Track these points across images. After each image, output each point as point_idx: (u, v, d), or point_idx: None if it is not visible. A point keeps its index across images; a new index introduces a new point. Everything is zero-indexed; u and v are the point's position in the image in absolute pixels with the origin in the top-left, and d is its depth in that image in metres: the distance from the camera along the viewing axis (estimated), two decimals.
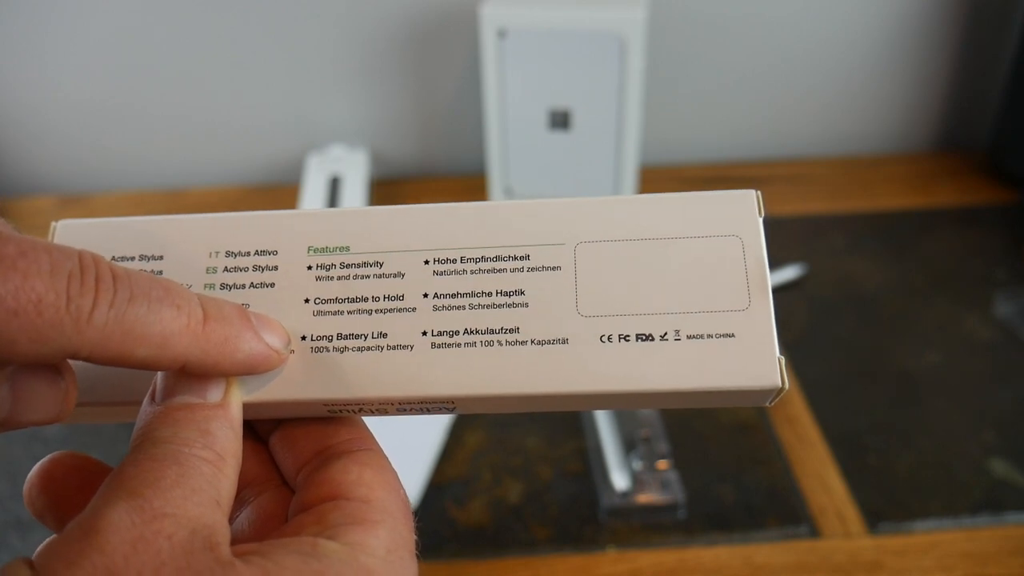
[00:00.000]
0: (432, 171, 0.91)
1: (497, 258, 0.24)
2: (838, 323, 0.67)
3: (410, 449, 0.54)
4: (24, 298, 0.17)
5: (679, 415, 0.58)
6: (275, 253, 0.25)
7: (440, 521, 0.52)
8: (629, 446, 0.54)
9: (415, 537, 0.22)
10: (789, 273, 0.71)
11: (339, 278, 0.24)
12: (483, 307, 0.24)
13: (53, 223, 0.26)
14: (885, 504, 0.52)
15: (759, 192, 0.25)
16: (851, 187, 0.84)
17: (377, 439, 0.24)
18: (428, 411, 0.24)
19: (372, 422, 0.25)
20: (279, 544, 0.19)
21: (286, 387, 0.23)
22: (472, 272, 0.24)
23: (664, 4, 0.79)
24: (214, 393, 0.21)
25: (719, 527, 0.51)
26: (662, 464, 0.53)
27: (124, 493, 0.18)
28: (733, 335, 0.23)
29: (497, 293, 0.24)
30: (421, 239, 0.25)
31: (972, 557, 0.49)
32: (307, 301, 0.24)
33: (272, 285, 0.25)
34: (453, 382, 0.23)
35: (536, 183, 0.76)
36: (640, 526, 0.51)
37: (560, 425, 0.58)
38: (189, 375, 0.21)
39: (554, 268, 0.24)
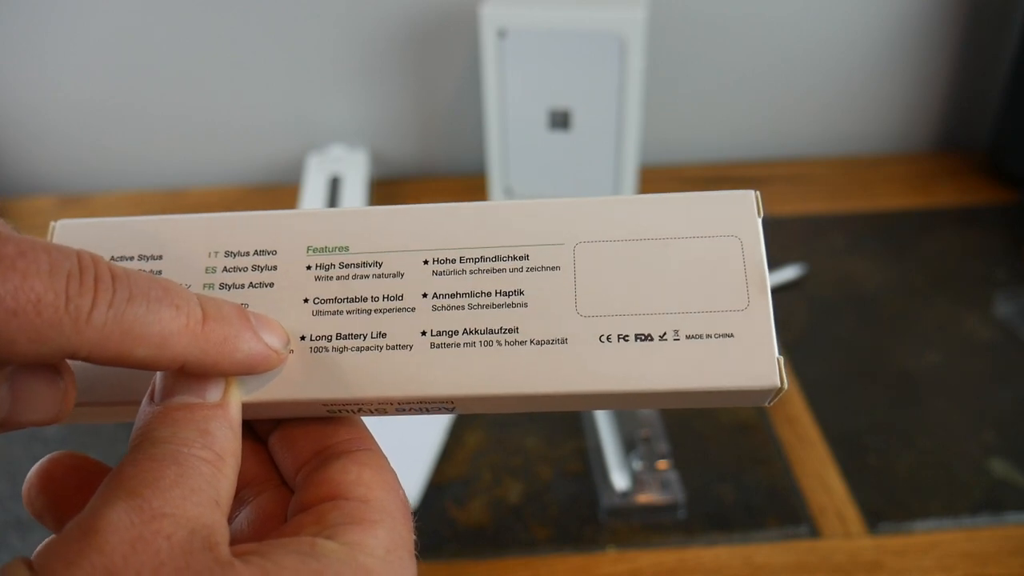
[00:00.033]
0: (432, 171, 0.91)
1: (496, 258, 0.24)
2: (838, 323, 0.67)
3: (410, 449, 0.54)
4: (23, 298, 0.17)
5: (679, 415, 0.58)
6: (274, 253, 0.25)
7: (440, 521, 0.52)
8: (629, 446, 0.54)
9: (414, 537, 0.22)
10: (789, 273, 0.71)
11: (338, 278, 0.24)
12: (482, 307, 0.24)
13: (52, 223, 0.26)
14: (885, 504, 0.52)
15: (758, 192, 0.25)
16: (851, 187, 0.84)
17: (377, 439, 0.24)
18: (427, 411, 0.24)
19: (372, 422, 0.25)
20: (278, 544, 0.19)
21: (285, 387, 0.23)
22: (471, 272, 0.24)
23: (664, 4, 0.79)
24: (213, 393, 0.21)
25: (719, 527, 0.51)
26: (662, 464, 0.53)
27: (123, 493, 0.18)
28: (732, 335, 0.23)
29: (496, 293, 0.24)
30: (420, 239, 0.25)
31: (972, 557, 0.49)
32: (306, 301, 0.24)
33: (271, 285, 0.25)
34: (452, 382, 0.23)
35: (536, 183, 0.76)
36: (640, 526, 0.51)
37: (560, 425, 0.58)
38: (188, 375, 0.21)
39: (553, 268, 0.24)
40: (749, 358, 0.23)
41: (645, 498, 0.51)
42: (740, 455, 0.55)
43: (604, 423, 0.55)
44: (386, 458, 0.23)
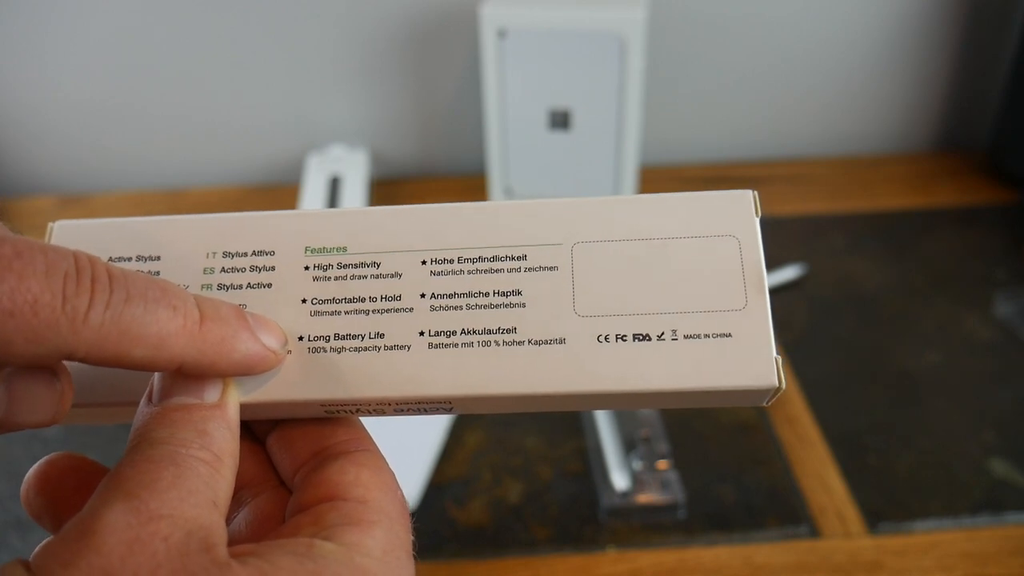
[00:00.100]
0: (432, 171, 0.91)
1: (494, 258, 0.24)
2: (838, 323, 0.67)
3: (410, 449, 0.54)
4: (20, 299, 0.17)
5: (679, 415, 0.58)
6: (272, 254, 0.25)
7: (440, 521, 0.52)
8: (629, 446, 0.54)
9: (412, 538, 0.22)
10: (789, 273, 0.70)
11: (336, 278, 0.24)
12: (480, 307, 0.24)
13: (50, 224, 0.26)
14: (885, 504, 0.52)
15: (756, 192, 0.25)
16: (851, 187, 0.84)
17: (377, 439, 0.24)
18: (425, 411, 0.24)
19: (373, 422, 0.25)
20: (275, 545, 0.19)
21: (283, 387, 0.23)
22: (469, 272, 0.24)
23: (664, 4, 0.79)
24: (211, 394, 0.21)
25: (719, 527, 0.51)
26: (662, 464, 0.53)
27: (121, 494, 0.18)
28: (730, 335, 0.23)
29: (494, 293, 0.24)
30: (418, 239, 0.25)
31: (972, 557, 0.49)
32: (304, 301, 0.24)
33: (269, 286, 0.25)
34: (450, 382, 0.23)
35: (536, 183, 0.76)
36: (640, 526, 0.51)
37: (560, 425, 0.58)
38: (186, 376, 0.21)
39: (551, 268, 0.24)
40: (747, 358, 0.23)
41: (645, 498, 0.51)
42: (740, 455, 0.55)
43: (604, 423, 0.55)
44: (384, 459, 0.23)
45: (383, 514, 0.21)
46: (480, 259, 0.24)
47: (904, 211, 0.80)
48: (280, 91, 0.85)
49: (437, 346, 0.23)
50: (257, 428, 0.25)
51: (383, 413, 0.24)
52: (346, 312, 0.24)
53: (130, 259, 0.25)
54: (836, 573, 0.48)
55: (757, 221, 0.24)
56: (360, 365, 0.23)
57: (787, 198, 0.82)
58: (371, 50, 0.83)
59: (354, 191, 0.78)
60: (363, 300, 0.24)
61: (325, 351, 0.24)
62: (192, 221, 0.25)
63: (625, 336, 0.23)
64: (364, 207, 0.26)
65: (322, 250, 0.25)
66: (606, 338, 0.23)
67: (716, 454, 0.55)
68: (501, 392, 0.23)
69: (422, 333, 0.24)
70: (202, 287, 0.25)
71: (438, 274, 0.24)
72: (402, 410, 0.24)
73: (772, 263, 0.71)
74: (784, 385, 0.23)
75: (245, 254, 0.25)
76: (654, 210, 0.24)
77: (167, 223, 0.25)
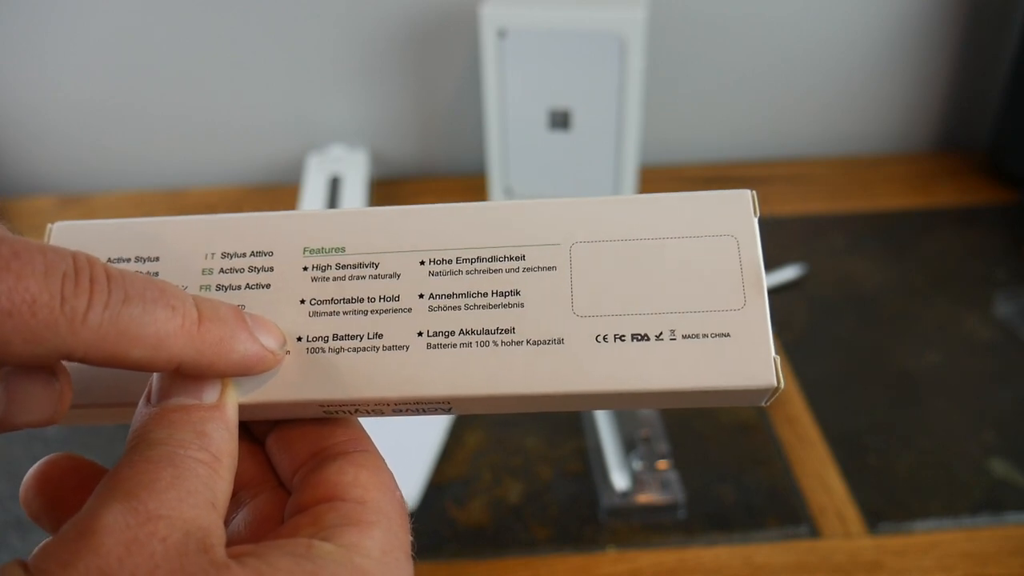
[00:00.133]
0: (432, 171, 0.91)
1: (493, 258, 0.24)
2: (838, 323, 0.67)
3: (410, 449, 0.54)
4: (18, 299, 0.17)
5: (679, 415, 0.58)
6: (271, 254, 0.25)
7: (440, 521, 0.52)
8: (629, 446, 0.54)
9: (411, 538, 0.22)
10: (789, 273, 0.70)
11: (335, 279, 0.24)
12: (479, 307, 0.24)
13: (49, 225, 0.26)
14: (885, 504, 0.52)
15: (754, 192, 0.25)
16: (851, 187, 0.84)
17: (376, 439, 0.24)
18: (424, 412, 0.24)
19: (372, 422, 0.25)
20: (274, 545, 0.19)
21: (282, 388, 0.23)
22: (468, 272, 0.24)
23: (664, 4, 0.79)
24: (210, 394, 0.21)
25: (719, 527, 0.51)
26: (662, 464, 0.53)
27: (119, 495, 0.18)
28: (728, 335, 0.23)
29: (493, 293, 0.24)
30: (417, 240, 0.25)
31: (972, 557, 0.49)
32: (303, 302, 0.24)
33: (268, 286, 0.24)
34: (449, 383, 0.23)
35: (536, 183, 0.76)
36: (640, 526, 0.51)
37: (560, 425, 0.58)
38: (185, 376, 0.21)
39: (550, 268, 0.24)
40: (745, 358, 0.23)
41: (645, 498, 0.51)
42: (740, 455, 0.55)
43: (604, 423, 0.55)
44: (383, 459, 0.23)
45: (382, 515, 0.21)
46: (478, 259, 0.24)
47: (904, 211, 0.80)
48: (280, 91, 0.85)
49: (436, 346, 0.23)
50: (256, 429, 0.25)
51: (382, 413, 0.24)
52: (345, 312, 0.24)
53: (129, 260, 0.25)
54: (836, 573, 0.48)
55: (756, 221, 0.24)
56: (358, 365, 0.23)
57: (787, 198, 0.82)
58: (371, 50, 0.83)
59: (354, 191, 0.78)
60: (361, 300, 0.24)
61: (324, 351, 0.24)
62: (191, 222, 0.25)
63: (624, 336, 0.23)
64: (362, 207, 0.26)
65: (321, 250, 0.25)
66: (604, 338, 0.23)
67: (716, 454, 0.55)
68: (500, 392, 0.23)
69: (420, 333, 0.24)
70: (201, 288, 0.25)
71: (436, 274, 0.24)
72: (401, 410, 0.24)
73: (772, 263, 0.71)
74: (783, 385, 0.23)
75: (244, 255, 0.25)
76: (653, 210, 0.24)
77: (166, 224, 0.25)
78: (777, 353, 0.23)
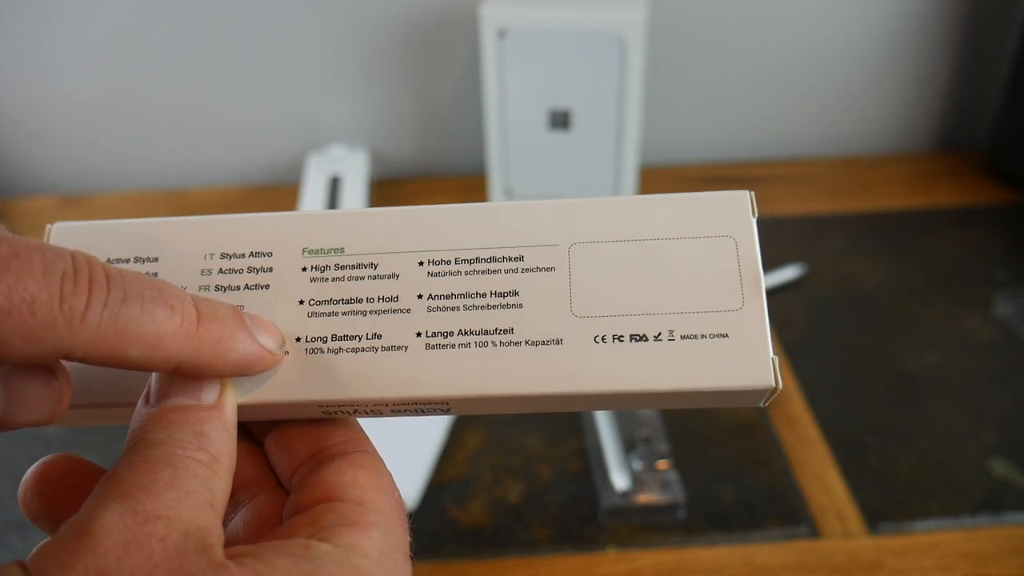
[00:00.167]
0: (432, 171, 0.91)
1: (491, 259, 0.24)
2: (838, 323, 0.66)
3: (410, 450, 0.54)
4: (17, 298, 0.17)
5: (679, 415, 0.58)
6: (270, 255, 0.25)
7: (440, 521, 0.52)
8: (629, 446, 0.54)
9: (409, 539, 0.22)
10: (789, 273, 0.70)
11: (334, 279, 0.24)
12: (477, 308, 0.24)
13: (48, 225, 0.26)
14: (885, 504, 0.52)
15: (752, 193, 0.25)
16: (851, 187, 0.84)
17: (376, 440, 0.24)
18: (423, 412, 0.24)
19: (372, 422, 0.25)
20: (272, 546, 0.19)
21: (281, 388, 0.23)
22: (466, 273, 0.24)
23: (664, 4, 0.79)
24: (208, 394, 0.21)
25: (719, 527, 0.51)
26: (662, 464, 0.53)
27: (117, 495, 0.18)
28: (727, 335, 0.23)
29: (491, 294, 0.24)
30: (415, 240, 0.25)
31: (972, 557, 0.49)
32: (301, 302, 0.24)
33: (267, 287, 0.25)
34: (447, 383, 0.23)
35: (536, 183, 0.76)
36: (640, 526, 0.51)
37: (560, 425, 0.58)
38: (183, 376, 0.21)
39: (548, 269, 0.24)
40: (744, 358, 0.23)
41: (645, 498, 0.51)
42: (740, 455, 0.55)
43: (604, 423, 0.55)
44: (382, 460, 0.23)
45: (380, 515, 0.21)
46: (477, 260, 0.24)
47: (904, 211, 0.80)
48: (280, 91, 0.85)
49: (434, 347, 0.23)
50: (255, 429, 0.25)
51: (380, 414, 0.24)
52: (343, 313, 0.24)
53: (128, 260, 0.25)
54: (836, 573, 0.48)
55: (754, 221, 0.24)
56: (357, 366, 0.23)
57: (787, 198, 0.82)
58: (371, 50, 0.83)
59: (354, 191, 0.78)
60: (360, 301, 0.24)
61: (323, 352, 0.24)
62: (190, 222, 0.26)
63: (622, 337, 0.23)
64: (361, 208, 0.26)
65: (320, 251, 0.25)
66: (603, 339, 0.23)
67: (716, 454, 0.55)
68: (498, 393, 0.23)
69: (419, 334, 0.24)
70: (200, 288, 0.25)
71: (435, 275, 0.24)
72: (399, 411, 0.24)
73: (772, 263, 0.71)
74: (781, 385, 0.23)
75: (243, 255, 0.25)
76: (651, 211, 0.24)
77: (165, 224, 0.26)
78: (776, 353, 0.23)
